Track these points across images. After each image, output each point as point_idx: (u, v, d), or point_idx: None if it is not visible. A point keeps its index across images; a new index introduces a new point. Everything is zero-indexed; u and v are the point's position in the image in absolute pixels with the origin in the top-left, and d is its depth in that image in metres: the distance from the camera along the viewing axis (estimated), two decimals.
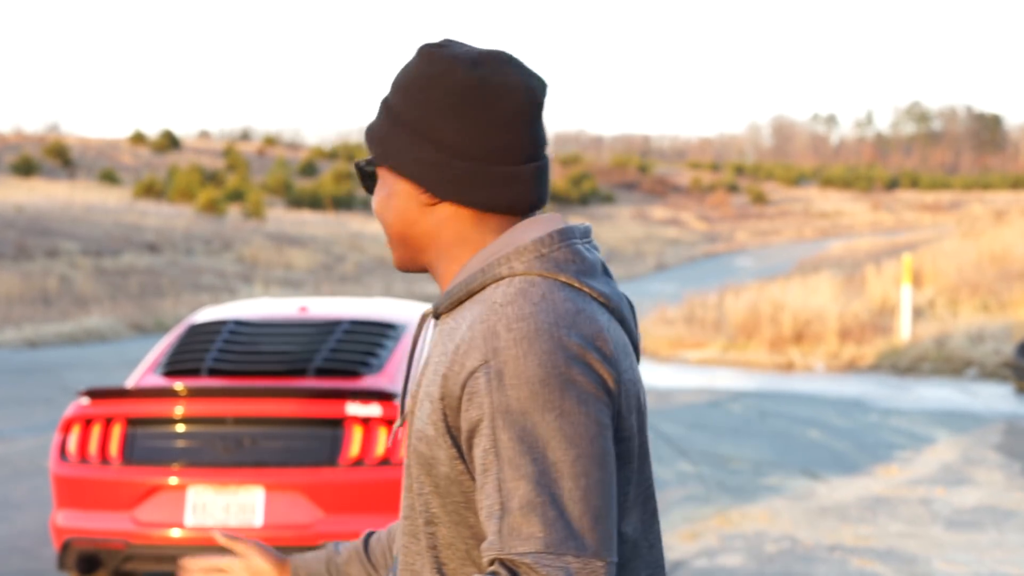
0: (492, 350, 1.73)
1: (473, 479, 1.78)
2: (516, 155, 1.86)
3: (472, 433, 1.74)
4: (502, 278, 1.81)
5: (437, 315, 1.91)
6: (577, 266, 1.83)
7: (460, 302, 1.86)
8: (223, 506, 5.70)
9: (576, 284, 1.81)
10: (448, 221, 1.89)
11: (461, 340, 1.78)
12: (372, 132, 1.93)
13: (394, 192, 1.92)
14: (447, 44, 1.89)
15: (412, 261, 1.95)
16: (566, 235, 1.85)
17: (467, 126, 1.85)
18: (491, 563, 1.70)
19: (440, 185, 1.87)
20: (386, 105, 1.92)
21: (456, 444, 1.78)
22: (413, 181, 1.88)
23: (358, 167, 1.96)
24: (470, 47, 1.90)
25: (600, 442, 1.72)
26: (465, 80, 1.85)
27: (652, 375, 15.55)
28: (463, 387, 1.75)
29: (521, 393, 1.71)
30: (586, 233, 1.90)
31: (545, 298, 1.77)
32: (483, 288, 1.83)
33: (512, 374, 1.71)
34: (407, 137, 1.88)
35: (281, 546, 5.61)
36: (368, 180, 1.96)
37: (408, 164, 1.88)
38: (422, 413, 1.82)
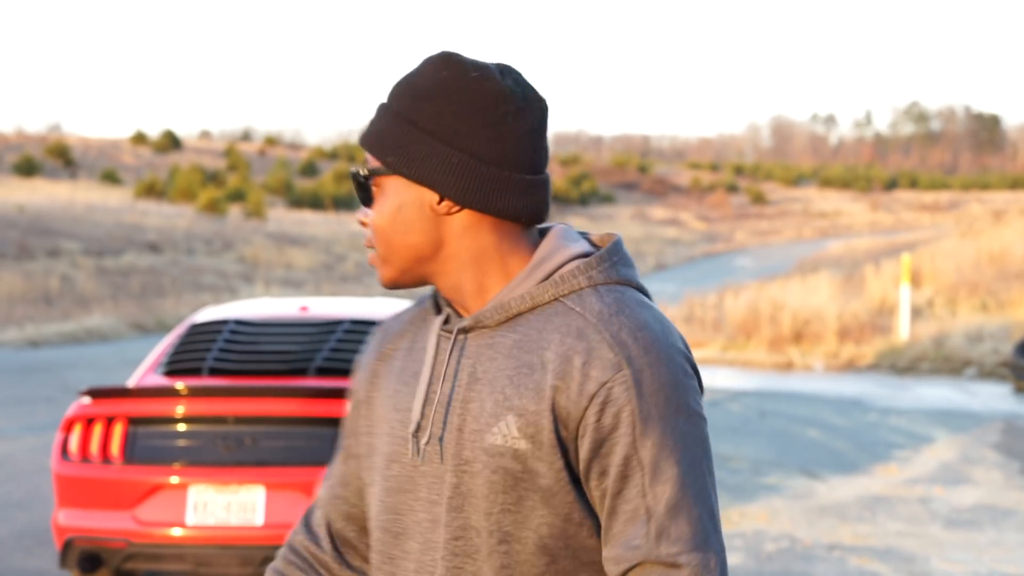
0: (625, 359, 1.74)
1: (579, 489, 1.80)
2: (536, 165, 1.88)
3: (602, 442, 1.75)
4: (581, 288, 1.82)
5: (467, 329, 1.87)
6: (637, 272, 1.90)
7: (516, 315, 1.85)
8: (224, 505, 5.72)
9: (644, 290, 1.87)
10: (468, 231, 1.86)
11: (569, 350, 1.77)
12: (382, 140, 1.87)
13: (404, 203, 1.87)
14: (460, 54, 1.89)
15: (409, 275, 1.90)
16: (621, 244, 1.90)
17: (501, 134, 1.84)
18: (635, 566, 1.73)
19: (467, 193, 1.84)
20: (399, 112, 1.86)
21: (565, 455, 1.78)
22: (436, 189, 1.84)
23: (357, 177, 1.90)
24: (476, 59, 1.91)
25: (709, 442, 1.81)
26: (500, 89, 1.85)
27: None
28: (591, 397, 1.75)
29: (659, 399, 1.74)
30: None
31: (643, 305, 1.81)
32: (552, 300, 1.83)
33: (648, 381, 1.74)
34: (431, 144, 1.84)
35: (281, 545, 5.63)
36: (365, 190, 1.91)
37: (432, 171, 1.84)
38: (500, 427, 1.81)
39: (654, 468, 1.73)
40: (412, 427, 1.86)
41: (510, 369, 1.81)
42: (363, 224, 1.92)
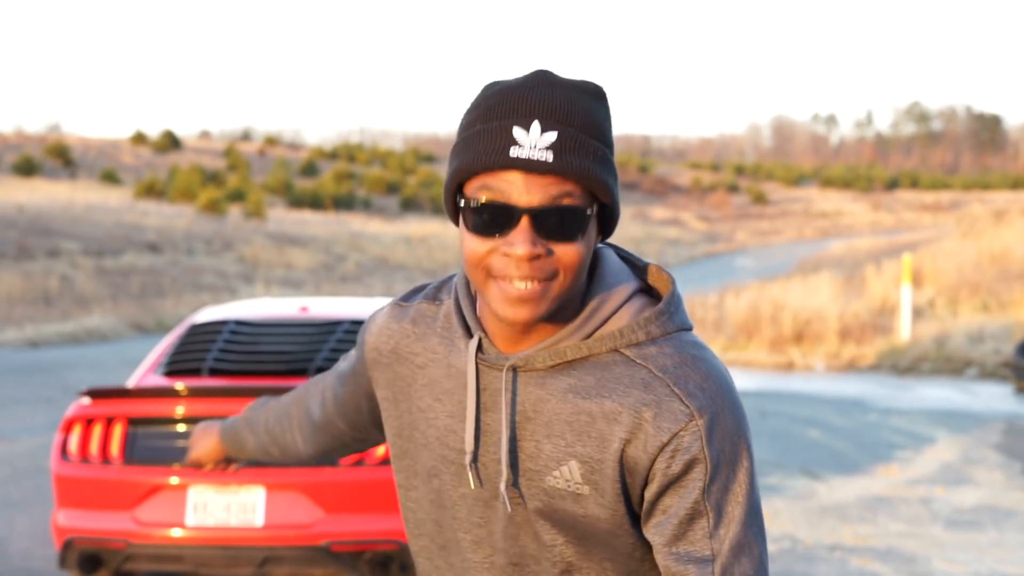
0: (696, 410, 1.77)
1: (638, 531, 1.84)
2: None
3: (669, 486, 1.79)
4: (639, 342, 1.82)
5: (515, 367, 1.85)
6: (685, 312, 1.89)
7: (569, 362, 1.83)
8: (224, 505, 5.70)
9: (690, 326, 1.88)
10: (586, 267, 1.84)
11: (637, 402, 1.78)
12: (603, 176, 1.77)
13: (590, 240, 1.80)
14: None
15: (550, 316, 1.81)
16: (676, 292, 1.88)
17: None
18: None
19: (614, 226, 1.85)
20: (604, 149, 1.78)
21: (628, 502, 1.82)
22: (610, 226, 1.83)
23: (578, 211, 1.75)
24: None
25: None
26: None
27: None
28: (662, 447, 1.77)
29: (725, 447, 1.79)
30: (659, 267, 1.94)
31: (698, 348, 1.84)
32: (609, 351, 1.83)
33: (719, 431, 1.78)
34: (614, 179, 1.81)
35: (282, 546, 5.62)
36: (578, 224, 1.76)
37: (617, 205, 1.83)
38: (563, 472, 1.82)
39: (719, 511, 1.79)
40: (468, 458, 1.86)
41: (567, 414, 1.81)
42: (537, 256, 1.75)
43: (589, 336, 1.83)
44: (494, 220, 1.75)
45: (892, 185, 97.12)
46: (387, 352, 1.99)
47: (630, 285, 1.87)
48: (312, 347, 6.27)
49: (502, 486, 1.83)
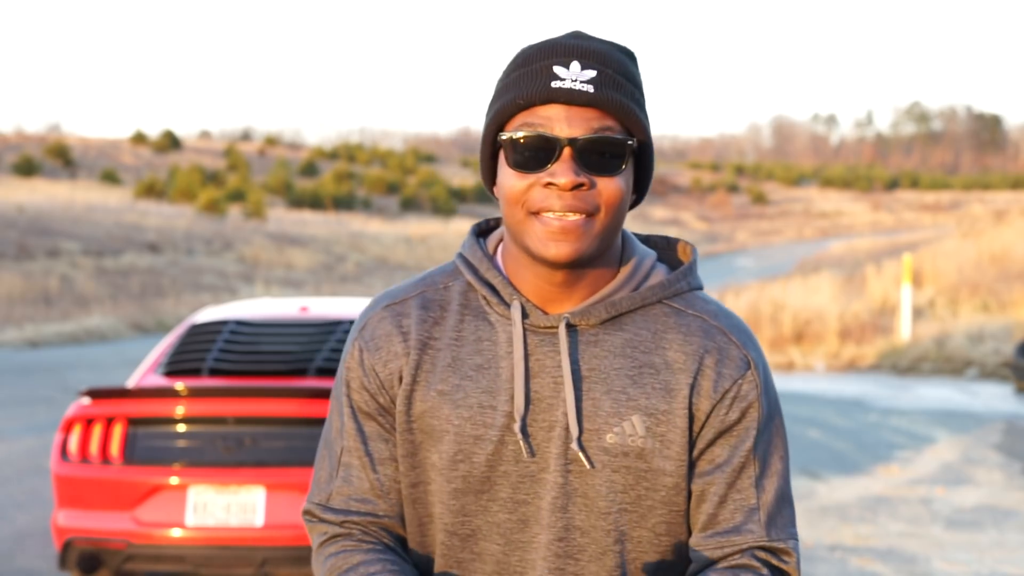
0: (752, 359, 1.84)
1: (689, 481, 1.83)
2: None
3: (722, 433, 1.82)
4: (683, 292, 1.86)
5: (570, 325, 1.81)
6: None
7: (619, 315, 1.83)
8: (224, 506, 5.70)
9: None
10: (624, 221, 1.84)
11: (699, 349, 1.81)
12: (638, 115, 1.78)
13: (629, 180, 1.80)
14: None
15: (595, 255, 1.79)
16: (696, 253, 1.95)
17: None
18: (744, 549, 1.82)
19: (649, 179, 1.86)
20: (636, 95, 1.80)
21: (691, 449, 1.82)
22: (647, 175, 1.84)
23: (618, 141, 1.76)
24: None
25: None
26: None
27: None
28: (724, 393, 1.81)
29: (771, 397, 1.85)
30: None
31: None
32: (657, 302, 1.85)
33: (767, 380, 1.85)
34: (649, 126, 1.82)
35: (282, 546, 5.62)
36: (616, 157, 1.77)
37: (652, 152, 1.84)
38: (624, 427, 1.79)
39: (765, 461, 1.83)
40: (519, 425, 1.79)
41: (629, 369, 1.80)
42: (580, 185, 1.74)
43: (637, 289, 1.84)
44: (536, 153, 1.75)
45: (892, 185, 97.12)
46: (409, 351, 1.86)
47: (653, 253, 1.91)
48: (312, 347, 6.27)
49: (574, 444, 1.78)
